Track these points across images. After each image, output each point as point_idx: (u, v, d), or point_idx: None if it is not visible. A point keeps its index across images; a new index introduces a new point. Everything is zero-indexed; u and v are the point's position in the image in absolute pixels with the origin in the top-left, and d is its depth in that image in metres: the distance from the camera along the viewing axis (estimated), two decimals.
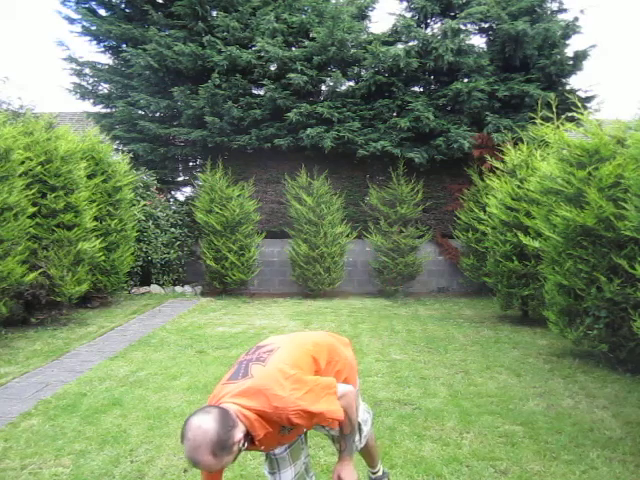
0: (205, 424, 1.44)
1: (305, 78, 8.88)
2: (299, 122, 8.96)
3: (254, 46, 9.24)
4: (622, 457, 2.95)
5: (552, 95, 6.54)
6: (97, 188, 7.42)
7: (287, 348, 1.78)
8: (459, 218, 9.12)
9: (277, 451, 1.87)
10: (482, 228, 7.46)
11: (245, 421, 1.54)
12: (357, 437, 2.11)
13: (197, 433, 1.43)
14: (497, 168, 7.07)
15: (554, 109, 5.61)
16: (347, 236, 9.10)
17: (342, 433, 1.85)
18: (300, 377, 1.63)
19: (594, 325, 4.54)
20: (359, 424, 2.11)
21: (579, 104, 5.01)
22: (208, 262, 8.85)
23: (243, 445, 1.54)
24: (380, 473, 2.43)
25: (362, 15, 9.79)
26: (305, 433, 1.98)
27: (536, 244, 5.34)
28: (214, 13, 9.41)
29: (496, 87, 8.92)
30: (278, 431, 1.63)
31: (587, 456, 2.96)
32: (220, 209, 8.80)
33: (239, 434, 1.50)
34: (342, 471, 1.84)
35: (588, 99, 9.25)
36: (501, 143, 8.08)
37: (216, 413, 1.48)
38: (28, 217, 5.88)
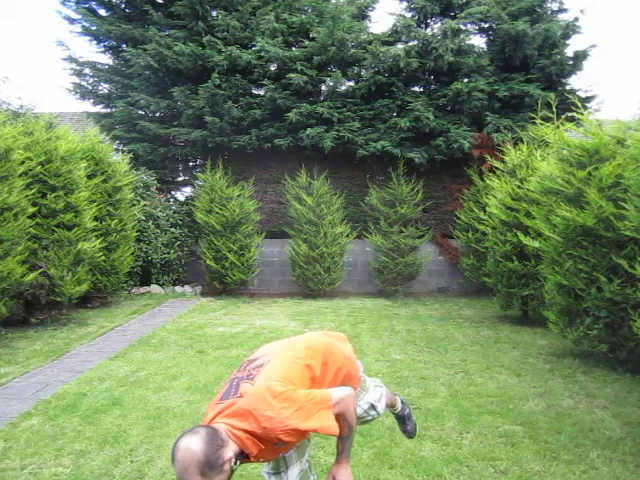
0: (193, 445, 1.44)
1: (305, 78, 8.88)
2: (299, 122, 8.96)
3: (254, 46, 9.24)
4: (622, 457, 2.95)
5: (552, 95, 6.54)
6: (97, 188, 7.42)
7: (277, 361, 1.75)
8: (459, 218, 9.12)
9: None
10: (482, 228, 7.47)
11: (237, 440, 1.55)
12: (374, 412, 2.17)
13: (185, 454, 1.44)
14: (497, 168, 7.07)
15: (554, 109, 5.61)
16: (347, 236, 9.10)
17: (340, 436, 1.84)
18: (290, 395, 1.61)
19: (594, 325, 4.55)
20: (372, 405, 2.16)
21: (579, 104, 5.01)
22: (208, 262, 8.85)
23: (235, 463, 1.53)
24: (399, 408, 2.56)
25: (362, 15, 9.79)
26: None
27: (536, 244, 5.34)
28: (214, 13, 9.41)
29: (496, 87, 8.92)
30: (272, 445, 1.62)
31: (587, 456, 2.96)
32: (220, 209, 8.80)
33: (229, 453, 1.50)
34: (337, 473, 1.84)
35: (588, 99, 9.25)
36: (501, 143, 8.08)
37: (204, 433, 1.49)
38: (28, 217, 5.88)
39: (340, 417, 1.76)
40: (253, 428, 1.54)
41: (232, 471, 1.52)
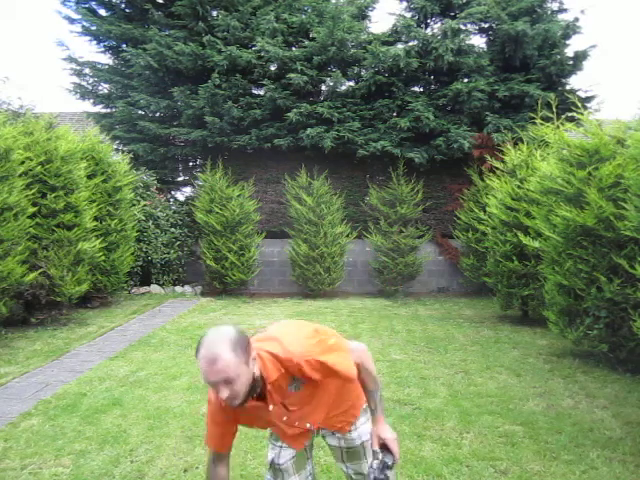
0: (223, 328, 1.50)
1: (305, 78, 8.88)
2: (299, 122, 8.96)
3: (254, 46, 9.24)
4: (622, 457, 2.95)
5: (552, 95, 6.54)
6: (97, 188, 7.42)
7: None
8: (459, 218, 9.12)
9: (281, 460, 1.82)
10: (482, 228, 7.47)
11: (259, 361, 1.54)
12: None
13: (216, 335, 1.46)
14: (497, 168, 7.07)
15: (554, 109, 5.62)
16: (347, 236, 9.10)
17: (367, 390, 1.79)
18: (314, 331, 1.65)
19: (594, 325, 4.55)
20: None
21: (579, 104, 5.01)
22: (208, 262, 8.85)
23: (258, 382, 1.52)
24: None
25: (362, 15, 9.80)
26: (311, 444, 1.91)
27: (536, 244, 5.34)
28: (214, 13, 9.42)
29: (496, 87, 8.92)
30: (288, 383, 1.59)
31: (587, 456, 2.96)
32: (220, 209, 8.80)
33: (254, 353, 1.52)
34: (382, 431, 1.76)
35: (588, 99, 9.26)
36: (501, 143, 8.08)
37: (232, 326, 1.54)
38: (28, 217, 5.88)
39: (360, 367, 1.72)
40: (278, 352, 1.55)
41: (254, 386, 1.50)
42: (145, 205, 9.04)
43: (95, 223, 7.06)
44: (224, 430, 1.69)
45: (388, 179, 9.37)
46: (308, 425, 1.73)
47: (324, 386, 1.65)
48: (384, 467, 1.70)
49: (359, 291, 9.72)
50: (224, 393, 1.43)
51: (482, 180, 8.59)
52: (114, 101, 9.94)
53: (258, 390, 1.55)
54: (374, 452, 1.76)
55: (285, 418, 1.67)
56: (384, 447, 1.75)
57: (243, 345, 1.46)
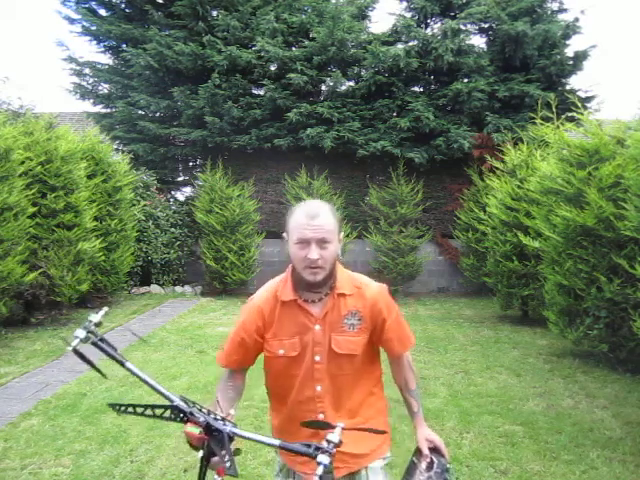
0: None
1: (305, 78, 8.88)
2: (299, 122, 8.96)
3: (254, 46, 9.24)
4: (622, 457, 2.95)
5: (552, 95, 6.54)
6: (97, 188, 7.42)
7: None
8: (459, 218, 9.12)
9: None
10: (482, 228, 7.46)
11: (337, 267, 1.51)
12: None
13: (317, 201, 1.49)
14: (497, 168, 7.07)
15: (554, 109, 5.61)
16: (347, 236, 9.10)
17: (409, 389, 1.67)
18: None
19: (594, 325, 4.54)
20: None
21: (579, 104, 5.01)
22: (208, 262, 8.85)
23: (332, 277, 1.47)
24: None
25: (362, 15, 9.80)
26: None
27: (536, 244, 5.34)
28: (214, 13, 9.42)
29: (496, 87, 8.92)
30: (347, 313, 1.49)
31: (587, 456, 2.96)
32: (220, 209, 8.80)
33: (342, 237, 1.52)
34: (429, 433, 1.64)
35: (588, 99, 9.26)
36: (501, 143, 8.07)
37: None
38: (28, 217, 5.88)
39: (405, 359, 1.64)
40: (356, 275, 1.57)
41: (329, 274, 1.44)
42: (145, 205, 9.03)
43: (95, 223, 7.06)
44: (250, 343, 1.52)
45: (388, 179, 9.37)
46: (321, 416, 1.50)
47: (361, 356, 1.53)
48: (442, 471, 1.58)
49: None
50: (315, 253, 1.37)
51: (482, 180, 8.59)
52: (114, 101, 9.94)
53: (329, 285, 1.48)
54: (424, 455, 1.63)
55: (318, 358, 1.49)
56: (434, 450, 1.64)
57: (338, 217, 1.47)
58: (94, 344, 1.18)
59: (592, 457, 2.95)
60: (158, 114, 9.99)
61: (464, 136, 8.76)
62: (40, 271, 5.99)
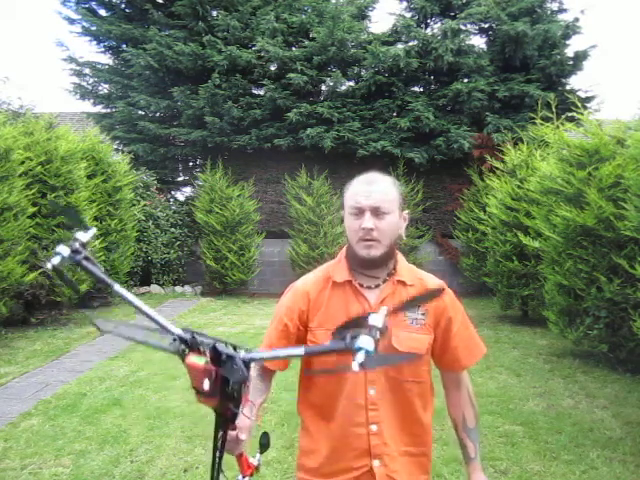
0: None
1: (305, 78, 8.88)
2: (299, 122, 8.96)
3: (254, 46, 9.25)
4: (622, 457, 2.95)
5: (552, 95, 6.54)
6: (97, 188, 7.41)
7: None
8: (459, 218, 9.12)
9: None
10: (482, 228, 7.46)
11: (397, 256, 1.33)
12: None
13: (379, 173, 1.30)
14: (497, 168, 7.07)
15: (554, 109, 5.62)
16: None
17: (467, 427, 1.42)
18: None
19: (594, 325, 4.54)
20: None
21: (579, 104, 5.01)
22: (208, 262, 8.85)
23: (392, 259, 1.29)
24: None
25: (362, 15, 9.80)
26: None
27: (536, 244, 5.34)
28: (214, 13, 9.42)
29: (496, 87, 8.93)
30: (409, 305, 1.16)
31: (587, 456, 2.96)
32: (220, 209, 8.80)
33: (406, 216, 1.34)
34: None
35: (588, 99, 9.26)
36: (501, 143, 8.07)
37: None
38: (28, 217, 5.88)
39: (464, 381, 1.41)
40: (419, 270, 1.38)
41: (388, 253, 1.26)
42: (145, 205, 9.03)
43: (95, 223, 7.06)
44: (292, 333, 1.32)
45: None
46: (374, 428, 1.24)
47: (424, 362, 1.31)
48: None
49: None
50: (369, 222, 1.19)
51: (482, 180, 8.59)
52: (114, 101, 9.94)
53: (388, 269, 1.28)
54: None
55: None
56: None
57: (401, 192, 1.30)
58: (77, 263, 0.99)
59: (592, 457, 2.95)
60: (158, 114, 10.00)
61: (464, 136, 8.76)
62: (40, 271, 5.99)
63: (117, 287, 1.00)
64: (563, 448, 3.06)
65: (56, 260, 0.99)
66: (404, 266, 1.32)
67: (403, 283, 1.28)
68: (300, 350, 0.93)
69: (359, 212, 1.21)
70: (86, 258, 1.01)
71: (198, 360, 0.89)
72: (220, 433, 1.02)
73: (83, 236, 1.03)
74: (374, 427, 1.24)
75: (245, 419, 1.10)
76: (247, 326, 6.61)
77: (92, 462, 2.92)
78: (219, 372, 0.90)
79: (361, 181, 1.25)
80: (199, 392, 0.92)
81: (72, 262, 0.99)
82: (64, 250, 0.99)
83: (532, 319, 6.64)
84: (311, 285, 1.31)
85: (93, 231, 1.05)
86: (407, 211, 1.31)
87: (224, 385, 0.91)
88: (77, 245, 1.01)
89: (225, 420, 0.99)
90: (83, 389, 4.12)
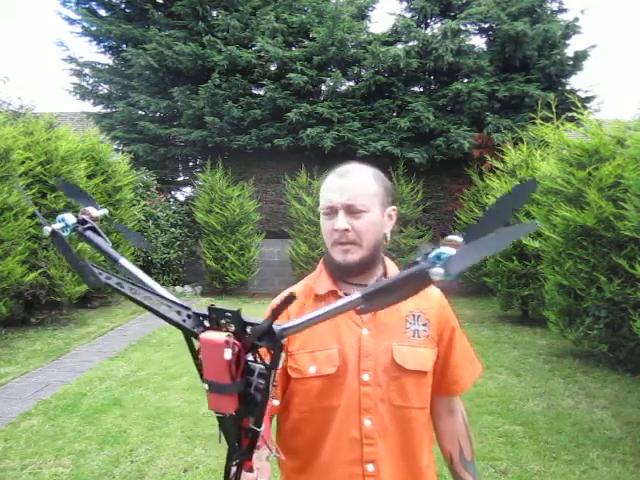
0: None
1: (305, 78, 8.88)
2: (299, 122, 8.96)
3: (254, 46, 9.25)
4: (622, 457, 2.95)
5: (552, 95, 6.54)
6: (97, 188, 7.42)
7: None
8: (459, 218, 9.12)
9: None
10: None
11: (386, 261, 1.15)
12: None
13: (358, 164, 1.10)
14: (497, 168, 7.07)
15: (554, 109, 5.62)
16: None
17: (464, 459, 1.21)
18: None
19: (594, 325, 4.54)
20: None
21: (579, 104, 5.01)
22: (208, 262, 8.85)
23: (381, 263, 1.11)
24: None
25: (362, 15, 9.81)
26: None
27: (536, 244, 5.34)
28: (214, 13, 9.43)
29: (496, 87, 8.93)
30: (409, 314, 1.10)
31: (587, 456, 2.96)
32: (220, 209, 8.80)
33: (392, 213, 1.13)
34: None
35: (588, 99, 9.26)
36: (501, 143, 8.08)
37: None
38: (28, 217, 5.88)
39: (459, 412, 1.22)
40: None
41: (371, 258, 1.07)
42: (145, 205, 9.04)
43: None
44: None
45: (388, 179, 9.37)
46: (370, 467, 1.03)
47: (429, 383, 1.11)
48: None
49: None
50: (342, 222, 1.02)
51: (482, 180, 8.59)
52: (114, 101, 9.95)
53: (376, 275, 1.09)
54: None
55: (367, 377, 1.03)
56: None
57: (387, 185, 1.11)
58: (81, 234, 0.86)
59: (592, 457, 2.95)
60: (158, 114, 10.00)
61: (464, 136, 8.77)
62: (40, 271, 5.99)
63: (123, 261, 0.85)
64: (563, 448, 3.06)
65: (58, 225, 0.86)
66: (395, 269, 1.15)
67: None
68: (356, 295, 0.66)
69: (332, 211, 1.04)
70: (92, 229, 0.88)
71: (216, 335, 0.68)
72: (233, 470, 0.73)
73: (93, 211, 0.91)
74: (370, 467, 1.02)
75: (266, 463, 0.88)
76: None
77: (92, 462, 2.92)
78: (243, 352, 0.68)
79: (334, 174, 1.07)
80: (213, 387, 0.68)
81: (76, 232, 0.86)
82: (69, 218, 0.87)
83: (532, 319, 6.64)
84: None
85: (105, 212, 0.92)
86: (393, 207, 1.12)
87: (246, 381, 0.68)
88: (85, 217, 0.88)
89: (241, 453, 0.72)
90: (83, 389, 4.12)
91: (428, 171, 9.50)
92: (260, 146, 9.32)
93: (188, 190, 10.92)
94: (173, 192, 10.87)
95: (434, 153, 9.09)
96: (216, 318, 0.69)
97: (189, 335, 0.71)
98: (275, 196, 9.94)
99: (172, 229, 9.28)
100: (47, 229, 0.84)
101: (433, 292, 1.17)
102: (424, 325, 1.11)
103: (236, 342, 0.67)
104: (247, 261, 8.96)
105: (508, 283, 6.51)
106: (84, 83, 10.26)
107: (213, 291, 9.18)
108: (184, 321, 0.71)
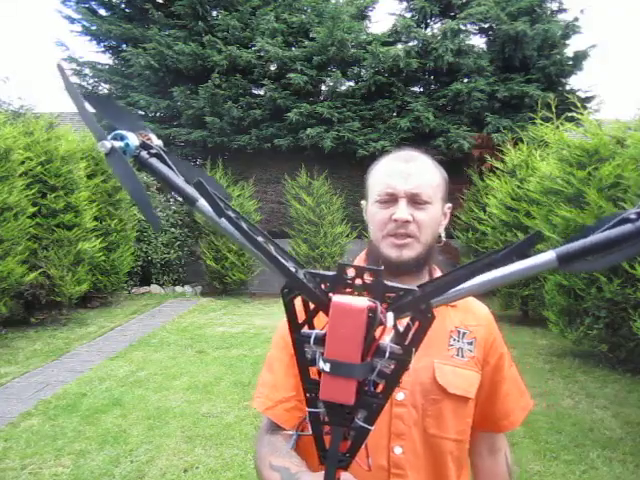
0: None
1: (305, 78, 8.88)
2: (299, 122, 8.97)
3: (254, 46, 9.25)
4: (622, 457, 2.95)
5: (552, 95, 6.55)
6: (97, 188, 7.42)
7: None
8: (459, 218, 9.11)
9: None
10: (482, 228, 7.46)
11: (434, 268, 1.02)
12: None
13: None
14: (497, 168, 7.08)
15: (553, 109, 5.62)
16: (347, 236, 9.10)
17: None
18: None
19: (594, 325, 4.54)
20: None
21: (579, 104, 5.01)
22: (208, 262, 8.85)
23: (430, 259, 0.96)
24: None
25: (362, 15, 9.81)
26: None
27: None
28: (214, 13, 9.43)
29: (496, 87, 8.93)
30: (454, 329, 0.96)
31: (587, 456, 2.96)
32: None
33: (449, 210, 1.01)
34: None
35: (588, 99, 9.26)
36: (501, 143, 8.08)
37: None
38: (28, 217, 5.88)
39: (509, 460, 1.07)
40: None
41: (426, 256, 0.94)
42: None
43: (95, 223, 7.06)
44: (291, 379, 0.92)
45: None
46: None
47: (471, 413, 0.97)
48: None
49: None
50: (404, 212, 0.89)
51: (482, 180, 8.59)
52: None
53: (424, 280, 0.84)
54: None
55: (402, 396, 0.90)
56: None
57: (446, 178, 0.98)
58: (142, 161, 0.64)
59: (592, 457, 2.95)
60: (158, 114, 10.00)
61: (464, 136, 8.77)
62: (40, 271, 5.99)
63: (202, 202, 0.61)
64: (563, 448, 3.06)
65: (117, 144, 0.64)
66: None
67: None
68: (550, 255, 0.53)
69: (391, 198, 0.90)
70: (158, 156, 0.66)
71: (356, 300, 0.53)
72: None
73: (155, 138, 0.69)
74: None
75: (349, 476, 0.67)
76: (247, 326, 6.61)
77: (92, 462, 2.92)
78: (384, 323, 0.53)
79: (395, 158, 0.94)
80: (336, 368, 0.54)
81: (137, 158, 0.65)
82: (132, 138, 0.64)
83: (532, 319, 6.64)
84: None
85: (161, 143, 0.70)
86: (449, 204, 0.99)
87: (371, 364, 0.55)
88: (147, 141, 0.67)
89: (339, 459, 0.58)
90: (83, 389, 4.12)
91: None
92: (260, 146, 9.33)
93: None
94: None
95: (434, 153, 9.07)
96: (348, 278, 0.55)
97: (313, 299, 0.56)
98: (275, 196, 9.94)
99: (172, 229, 9.28)
100: (105, 144, 0.63)
101: (481, 309, 1.02)
102: (470, 344, 0.96)
103: (383, 309, 0.53)
104: (247, 261, 8.96)
105: None
106: (84, 83, 10.26)
107: (213, 291, 9.18)
108: (305, 279, 0.57)
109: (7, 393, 4.07)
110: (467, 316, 0.98)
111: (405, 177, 0.90)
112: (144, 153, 0.65)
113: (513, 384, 1.05)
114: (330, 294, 0.55)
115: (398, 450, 0.89)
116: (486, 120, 8.85)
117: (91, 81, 10.27)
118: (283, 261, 0.58)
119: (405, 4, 9.60)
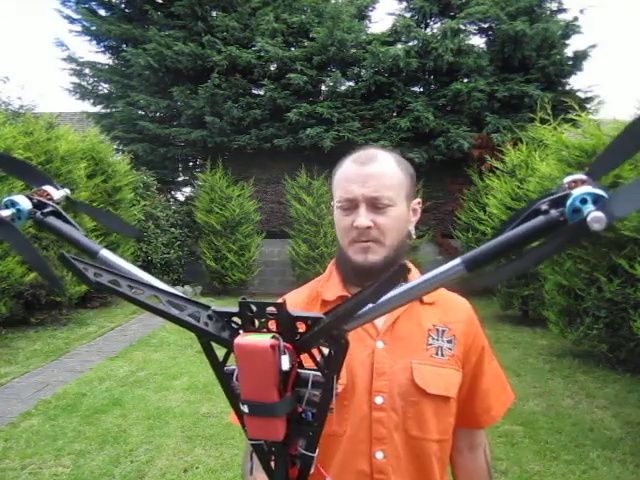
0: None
1: (305, 78, 8.88)
2: (299, 122, 8.97)
3: (254, 46, 9.25)
4: (622, 457, 2.95)
5: (551, 95, 6.55)
6: (97, 188, 7.42)
7: None
8: (459, 218, 9.12)
9: None
10: (482, 228, 7.46)
11: (412, 269, 1.02)
12: None
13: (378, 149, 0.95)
14: (497, 168, 7.08)
15: (549, 111, 5.62)
16: None
17: None
18: None
19: (594, 325, 4.54)
20: None
21: (576, 106, 5.01)
22: (208, 262, 8.86)
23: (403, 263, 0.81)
24: None
25: (362, 15, 9.81)
26: None
27: (536, 244, 5.34)
28: (214, 13, 9.43)
29: (496, 87, 8.93)
30: (432, 327, 0.94)
31: (587, 456, 2.96)
32: (220, 209, 8.80)
33: (418, 206, 0.99)
34: None
35: (588, 99, 9.26)
36: (501, 143, 8.09)
37: None
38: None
39: (488, 457, 1.05)
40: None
41: (394, 258, 0.94)
42: (145, 205, 9.03)
43: (95, 223, 7.06)
44: None
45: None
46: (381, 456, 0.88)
47: (454, 411, 0.95)
48: None
49: None
50: (364, 219, 0.87)
51: (482, 180, 8.59)
52: (114, 101, 9.95)
53: (399, 278, 0.65)
54: None
55: (380, 400, 0.88)
56: None
57: (412, 174, 0.95)
58: (39, 222, 0.63)
59: (592, 457, 2.95)
60: (158, 114, 10.00)
61: (464, 136, 8.77)
62: None
63: (104, 252, 0.64)
64: (563, 448, 3.06)
65: (6, 212, 0.61)
66: (418, 275, 0.87)
67: (421, 300, 0.95)
68: (457, 262, 0.51)
69: (351, 204, 0.89)
70: (55, 214, 0.64)
71: (258, 339, 0.52)
72: None
73: (52, 190, 0.67)
74: None
75: None
76: None
77: (92, 462, 2.92)
78: (295, 357, 0.53)
79: (354, 160, 0.91)
80: (255, 409, 0.53)
81: (33, 219, 0.63)
82: (22, 201, 0.62)
83: (532, 319, 6.64)
84: (293, 306, 0.85)
85: (67, 192, 0.68)
86: (418, 200, 0.97)
87: (296, 395, 0.55)
88: (42, 198, 0.64)
89: None
90: (83, 389, 4.12)
91: (428, 171, 9.49)
92: (260, 146, 9.33)
93: (188, 190, 10.92)
94: (173, 192, 10.87)
95: (434, 153, 9.09)
96: (252, 315, 0.54)
97: (218, 342, 0.56)
98: (275, 196, 9.94)
99: (172, 229, 9.28)
100: None
101: (460, 304, 1.01)
102: (449, 342, 0.94)
103: (287, 345, 0.52)
104: (247, 261, 8.96)
105: (508, 283, 6.51)
106: (84, 83, 10.27)
107: (213, 291, 9.18)
108: (206, 325, 0.55)
109: (7, 393, 4.07)
110: (446, 313, 0.97)
111: (363, 180, 0.88)
112: (39, 214, 0.64)
113: (494, 379, 1.03)
114: (240, 331, 0.55)
115: (380, 455, 0.87)
116: (486, 120, 8.85)
117: (91, 81, 10.27)
118: (176, 313, 0.56)
119: (405, 4, 9.61)
